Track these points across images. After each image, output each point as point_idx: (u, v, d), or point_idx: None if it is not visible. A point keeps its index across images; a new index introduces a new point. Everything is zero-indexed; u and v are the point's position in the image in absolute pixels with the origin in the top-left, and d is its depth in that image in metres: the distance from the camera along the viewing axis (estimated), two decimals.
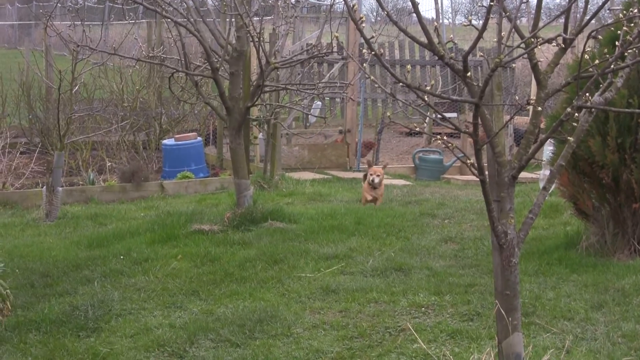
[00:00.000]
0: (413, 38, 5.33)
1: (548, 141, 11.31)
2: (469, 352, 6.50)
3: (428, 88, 5.09)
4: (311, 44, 13.98)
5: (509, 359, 5.27)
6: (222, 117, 12.52)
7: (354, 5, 5.02)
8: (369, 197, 13.12)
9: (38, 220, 12.60)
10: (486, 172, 5.30)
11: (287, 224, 11.36)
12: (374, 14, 48.66)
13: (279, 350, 6.98)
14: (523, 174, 15.63)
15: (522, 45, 5.12)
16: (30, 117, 18.90)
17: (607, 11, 11.97)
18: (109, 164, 16.37)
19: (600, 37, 7.54)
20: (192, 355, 6.98)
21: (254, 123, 15.45)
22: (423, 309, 7.97)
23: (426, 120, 19.88)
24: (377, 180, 12.97)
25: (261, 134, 16.46)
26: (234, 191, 11.93)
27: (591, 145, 9.40)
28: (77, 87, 13.68)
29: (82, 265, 9.67)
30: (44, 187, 12.87)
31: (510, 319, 5.27)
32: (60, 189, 12.78)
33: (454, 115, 20.84)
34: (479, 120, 5.16)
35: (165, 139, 17.50)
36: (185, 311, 8.11)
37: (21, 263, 9.81)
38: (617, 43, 5.19)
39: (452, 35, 7.50)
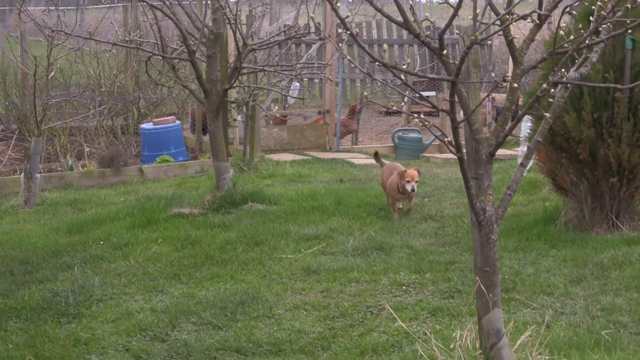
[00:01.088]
0: (389, 17, 5.33)
1: (526, 118, 11.38)
2: (450, 329, 6.53)
3: (405, 67, 5.09)
4: (288, 25, 13.96)
5: (489, 335, 5.30)
6: (200, 100, 12.50)
7: None
8: (399, 205, 10.97)
9: (16, 207, 12.55)
10: (464, 150, 5.31)
11: (267, 205, 11.36)
12: None
13: (260, 332, 6.99)
14: (501, 151, 15.73)
15: (498, 22, 5.13)
16: (7, 103, 18.78)
17: None
18: (88, 149, 16.29)
19: (575, 12, 7.55)
20: (174, 338, 6.99)
21: (233, 105, 15.42)
22: (404, 287, 8.00)
23: (405, 100, 19.86)
24: (409, 187, 10.55)
25: (240, 116, 16.42)
26: (213, 174, 11.91)
27: (566, 121, 9.44)
28: (53, 73, 13.63)
29: (62, 252, 9.65)
30: (22, 174, 12.80)
31: (490, 295, 5.30)
32: (38, 175, 12.73)
33: (433, 94, 20.82)
34: (456, 98, 5.17)
35: (143, 123, 17.43)
36: (166, 295, 8.11)
37: (0, 251, 9.78)
38: (591, 18, 5.21)
39: (428, 14, 7.53)
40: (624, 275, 8.03)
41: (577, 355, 5.90)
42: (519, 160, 11.20)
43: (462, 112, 5.37)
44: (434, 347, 5.45)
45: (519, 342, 5.48)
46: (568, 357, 5.67)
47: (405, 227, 10.09)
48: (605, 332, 6.57)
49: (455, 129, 5.15)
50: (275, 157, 16.14)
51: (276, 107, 19.88)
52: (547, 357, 5.44)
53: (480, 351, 5.28)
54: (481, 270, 5.36)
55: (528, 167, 12.39)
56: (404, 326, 6.29)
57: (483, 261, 5.35)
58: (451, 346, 5.44)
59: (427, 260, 8.71)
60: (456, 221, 10.32)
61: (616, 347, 6.29)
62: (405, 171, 10.71)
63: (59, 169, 15.23)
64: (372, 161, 16.06)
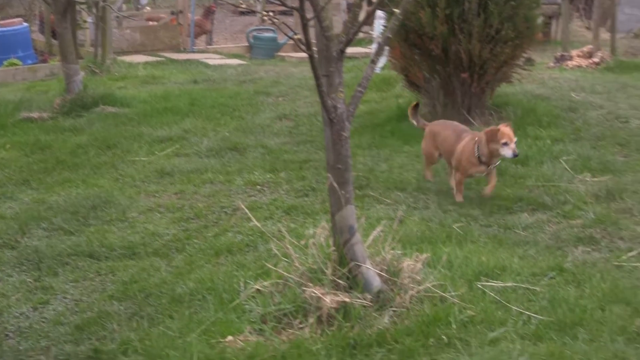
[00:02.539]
0: None
1: (381, 16, 11.37)
2: (304, 227, 6.53)
3: None
4: None
5: (342, 231, 5.31)
6: (46, 1, 12.11)
7: None
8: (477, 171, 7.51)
9: None
10: (315, 48, 5.25)
11: (119, 108, 11.17)
12: None
13: (114, 236, 6.88)
14: (356, 49, 15.76)
15: None
16: None
17: None
18: None
19: None
20: (25, 245, 6.81)
21: (83, 6, 15.01)
22: (258, 187, 7.98)
23: None
24: (509, 153, 7.20)
25: (90, 17, 16.00)
26: (63, 77, 11.61)
27: (421, 17, 9.48)
28: None
29: None
30: None
31: (342, 192, 5.29)
32: None
33: None
34: None
35: None
36: (15, 201, 7.90)
37: None
38: None
39: None
40: None
41: (429, 248, 5.98)
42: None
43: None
44: (288, 245, 5.43)
45: (371, 237, 5.52)
46: (420, 250, 5.73)
47: (260, 127, 10.05)
48: (457, 226, 6.70)
49: (305, 26, 5.07)
50: (128, 58, 15.86)
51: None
52: (399, 252, 5.49)
53: (333, 248, 5.29)
54: (333, 168, 5.35)
55: (381, 65, 12.50)
56: (259, 225, 6.25)
57: (335, 158, 5.33)
58: (303, 242, 5.44)
59: (282, 160, 8.71)
60: (310, 120, 10.32)
61: (467, 239, 6.42)
62: (499, 129, 7.30)
63: None
64: (226, 61, 15.95)
